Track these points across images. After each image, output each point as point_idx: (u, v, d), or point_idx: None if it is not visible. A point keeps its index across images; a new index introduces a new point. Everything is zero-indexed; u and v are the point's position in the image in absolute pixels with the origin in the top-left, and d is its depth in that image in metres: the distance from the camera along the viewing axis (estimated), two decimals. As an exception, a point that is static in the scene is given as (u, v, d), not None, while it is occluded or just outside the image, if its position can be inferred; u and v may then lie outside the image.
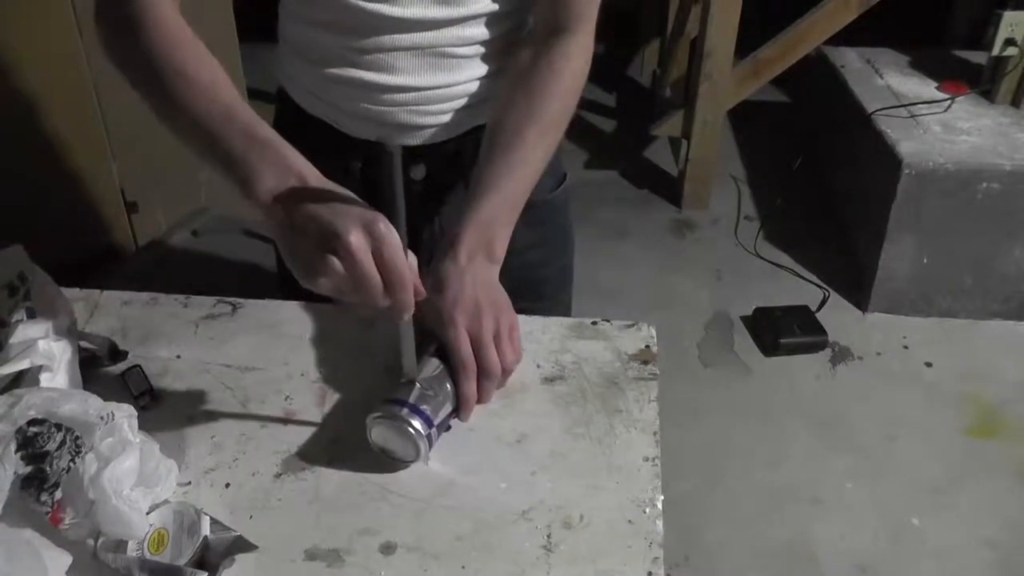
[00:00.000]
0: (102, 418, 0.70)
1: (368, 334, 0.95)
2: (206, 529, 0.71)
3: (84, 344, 0.89)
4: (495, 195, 0.88)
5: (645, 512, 0.75)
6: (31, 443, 0.69)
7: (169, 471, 0.75)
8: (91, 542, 0.69)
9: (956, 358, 2.46)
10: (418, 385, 0.79)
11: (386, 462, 0.79)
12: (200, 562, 0.70)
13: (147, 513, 0.71)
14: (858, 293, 2.67)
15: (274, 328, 0.96)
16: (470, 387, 0.80)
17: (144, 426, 0.73)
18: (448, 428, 0.81)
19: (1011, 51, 2.57)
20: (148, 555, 0.69)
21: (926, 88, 2.80)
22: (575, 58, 0.94)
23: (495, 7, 0.94)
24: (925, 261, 2.53)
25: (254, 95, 2.62)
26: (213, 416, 0.85)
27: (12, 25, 1.85)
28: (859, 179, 2.80)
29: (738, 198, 3.24)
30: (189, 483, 0.78)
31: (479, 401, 0.82)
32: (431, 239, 1.08)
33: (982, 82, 2.72)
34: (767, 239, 2.98)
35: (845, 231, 2.91)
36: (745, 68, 2.97)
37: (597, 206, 3.15)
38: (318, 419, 0.84)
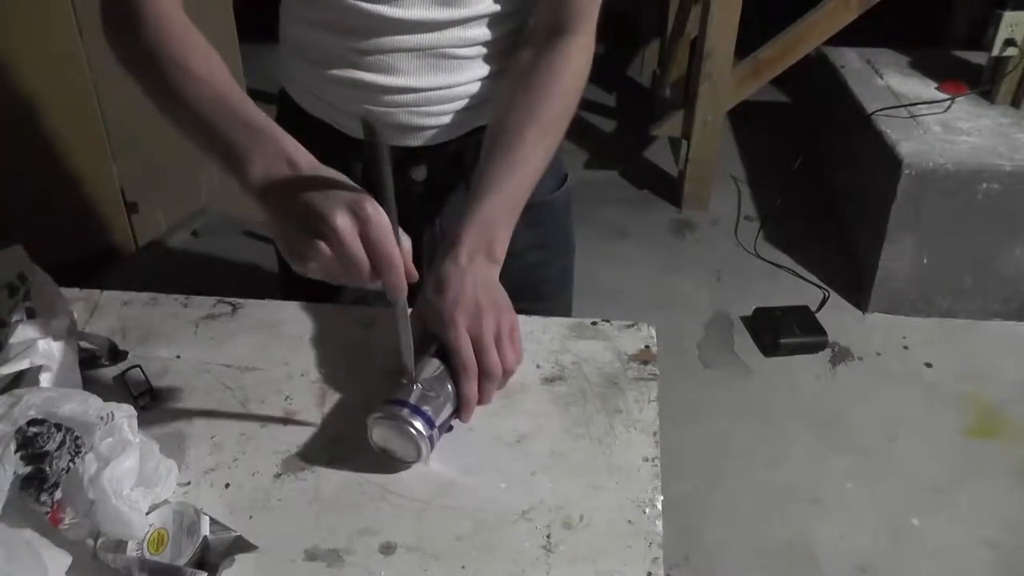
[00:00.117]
0: (102, 418, 0.70)
1: (368, 334, 0.95)
2: (206, 529, 0.71)
3: (84, 344, 0.89)
4: (496, 195, 0.88)
5: (645, 512, 0.75)
6: (31, 443, 0.69)
7: (169, 471, 0.75)
8: (91, 542, 0.69)
9: (956, 358, 2.46)
10: (419, 386, 0.79)
11: (387, 463, 0.79)
12: (200, 562, 0.70)
13: (147, 513, 0.71)
14: (858, 293, 2.67)
15: (274, 328, 0.96)
16: (471, 388, 0.80)
17: (144, 426, 0.73)
18: (450, 429, 0.81)
19: (1011, 51, 2.57)
20: (148, 555, 0.69)
21: (926, 88, 2.81)
22: (576, 58, 0.94)
23: (496, 8, 0.94)
24: (925, 261, 2.53)
25: (255, 96, 2.61)
26: (213, 416, 0.85)
27: (12, 25, 1.85)
28: (859, 179, 2.80)
29: (738, 198, 3.24)
30: (189, 483, 0.78)
31: (480, 402, 0.82)
32: (432, 240, 1.08)
33: (982, 82, 2.72)
34: (767, 239, 2.98)
35: (845, 231, 2.91)
36: (745, 68, 2.97)
37: (597, 206, 3.15)
38: (318, 419, 0.84)
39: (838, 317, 2.59)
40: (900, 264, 2.54)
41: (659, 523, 0.74)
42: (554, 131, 0.93)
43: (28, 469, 0.68)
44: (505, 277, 0.88)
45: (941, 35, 3.69)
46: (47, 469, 0.68)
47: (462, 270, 0.84)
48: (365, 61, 0.95)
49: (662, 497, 0.76)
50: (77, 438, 0.69)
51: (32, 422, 0.69)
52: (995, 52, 2.59)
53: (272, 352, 0.93)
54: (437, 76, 0.96)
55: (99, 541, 0.69)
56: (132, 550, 0.69)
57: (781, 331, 2.47)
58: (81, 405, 0.70)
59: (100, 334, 0.93)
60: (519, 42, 0.98)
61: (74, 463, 0.68)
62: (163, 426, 0.83)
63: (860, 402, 2.31)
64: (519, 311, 0.87)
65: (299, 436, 0.83)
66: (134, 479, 0.70)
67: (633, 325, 0.97)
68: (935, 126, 2.58)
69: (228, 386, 0.88)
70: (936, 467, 2.11)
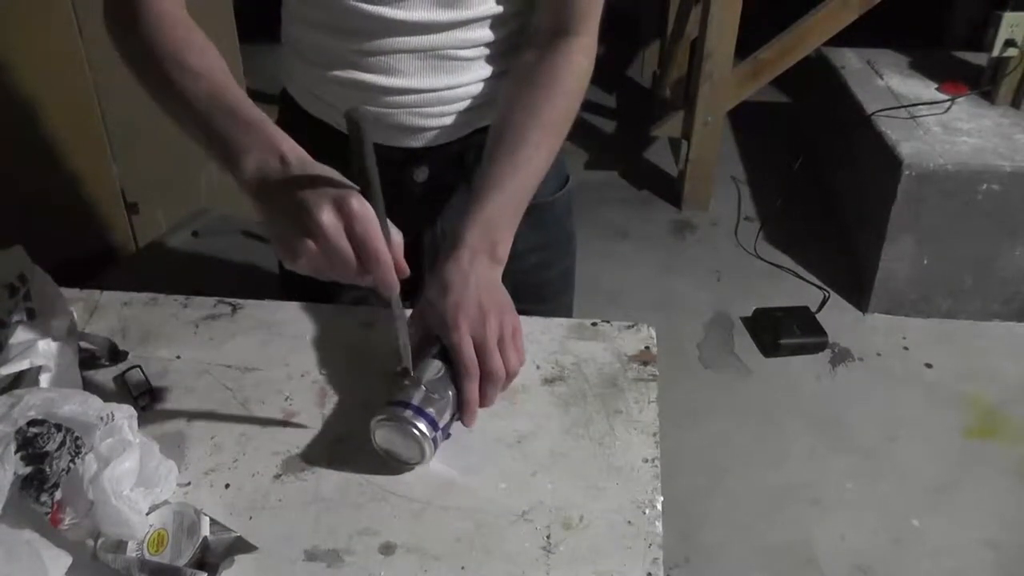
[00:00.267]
0: (102, 419, 0.70)
1: (368, 335, 0.95)
2: (206, 530, 0.71)
3: (84, 345, 0.90)
4: (499, 196, 0.87)
5: (645, 513, 0.75)
6: (31, 444, 0.69)
7: (169, 472, 0.75)
8: (91, 542, 0.69)
9: (956, 359, 2.46)
10: (424, 387, 0.78)
11: (389, 464, 0.79)
12: (200, 563, 0.70)
13: (147, 514, 0.71)
14: (858, 294, 2.67)
15: (274, 329, 0.96)
16: (472, 390, 0.80)
17: (144, 427, 0.74)
18: (447, 436, 0.80)
19: (1011, 52, 2.58)
20: (148, 556, 0.69)
21: (926, 89, 2.81)
22: (578, 59, 0.94)
23: (499, 9, 0.94)
24: (925, 262, 2.53)
25: (255, 96, 2.62)
26: (213, 417, 0.85)
27: (12, 25, 1.85)
28: (859, 180, 2.80)
29: (738, 199, 3.24)
30: (189, 484, 0.78)
31: (482, 405, 0.81)
32: (433, 241, 1.08)
33: (982, 83, 2.72)
34: (767, 240, 2.98)
35: (845, 232, 2.91)
36: (745, 69, 2.97)
37: (597, 207, 3.15)
38: (318, 420, 0.84)
39: (838, 318, 2.59)
40: (900, 265, 2.54)
41: (659, 524, 0.74)
42: (557, 132, 0.93)
43: (28, 469, 0.68)
44: (506, 278, 0.88)
45: (941, 36, 3.69)
46: (47, 469, 0.68)
47: (465, 271, 0.83)
48: (366, 62, 0.95)
49: (662, 498, 0.77)
50: (77, 439, 0.69)
51: (32, 422, 0.69)
52: (995, 53, 2.59)
53: (272, 353, 0.93)
54: (439, 77, 0.96)
55: (99, 541, 0.69)
56: (132, 550, 0.69)
57: (781, 332, 2.47)
58: (81, 405, 0.70)
59: (100, 334, 0.93)
60: (521, 43, 0.98)
61: (74, 463, 0.68)
62: (163, 427, 0.83)
63: (860, 403, 2.31)
64: (520, 312, 0.87)
65: (299, 437, 0.83)
66: (134, 479, 0.70)
67: (633, 326, 0.97)
68: (935, 127, 2.58)
69: (228, 387, 0.88)
70: (936, 467, 2.11)
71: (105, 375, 0.90)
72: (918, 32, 3.47)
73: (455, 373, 0.80)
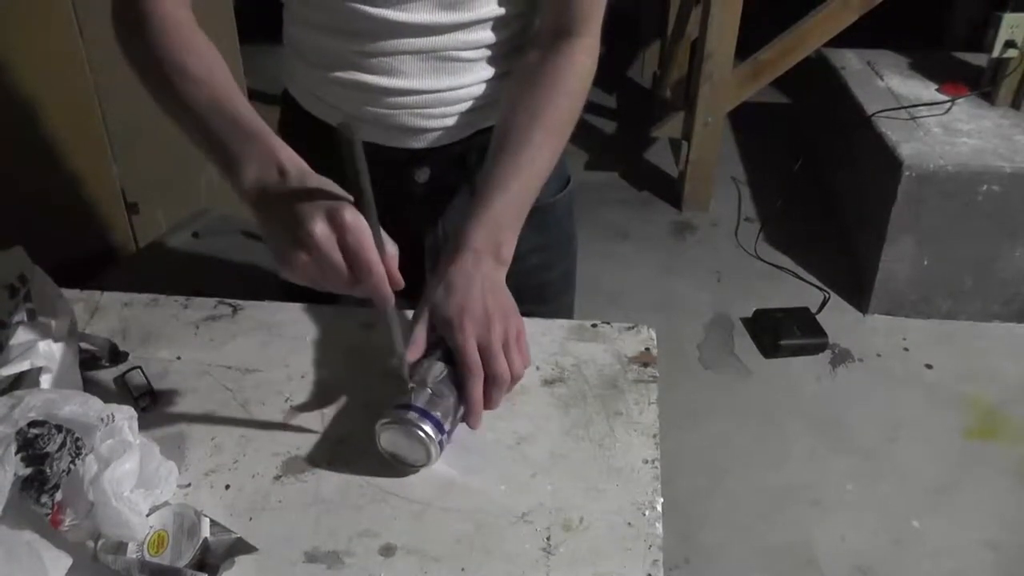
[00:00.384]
0: (102, 420, 0.70)
1: (369, 336, 0.95)
2: (206, 531, 0.71)
3: (84, 345, 0.90)
4: (503, 196, 0.87)
5: (645, 515, 0.75)
6: (31, 445, 0.69)
7: (169, 473, 0.75)
8: (91, 544, 0.69)
9: (956, 360, 2.46)
10: (428, 390, 0.78)
11: (393, 466, 0.79)
12: (200, 564, 0.70)
13: (147, 515, 0.71)
14: (858, 295, 2.67)
15: (274, 330, 0.96)
16: (476, 392, 0.79)
17: (144, 428, 0.73)
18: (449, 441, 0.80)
19: (1011, 53, 2.58)
20: (148, 557, 0.69)
21: (926, 90, 2.81)
22: (581, 60, 0.94)
23: (501, 11, 0.94)
24: (925, 263, 2.53)
25: (255, 97, 2.62)
26: (213, 418, 0.85)
27: (12, 25, 1.85)
28: (859, 181, 2.81)
29: (738, 200, 3.24)
30: (189, 485, 0.78)
31: (487, 407, 0.81)
32: (434, 242, 1.08)
33: (982, 84, 2.72)
34: (767, 241, 2.98)
35: (845, 233, 2.91)
36: (745, 70, 2.97)
37: (597, 208, 3.15)
38: (318, 421, 0.84)
39: (838, 318, 2.59)
40: (900, 265, 2.54)
41: (659, 525, 0.74)
42: (560, 133, 0.93)
43: (28, 471, 0.68)
44: (508, 280, 0.88)
45: (941, 37, 3.69)
46: (47, 471, 0.68)
47: (470, 273, 0.83)
48: (368, 63, 0.95)
49: (662, 499, 0.77)
50: (77, 440, 0.69)
51: (33, 424, 0.69)
52: (995, 54, 2.59)
53: (273, 354, 0.93)
54: (440, 78, 0.96)
55: (99, 543, 0.69)
56: (132, 552, 0.69)
57: (781, 332, 2.47)
58: (81, 407, 0.70)
59: (100, 335, 0.93)
60: (524, 44, 0.98)
61: (74, 465, 0.68)
62: (163, 428, 0.83)
63: (860, 403, 2.31)
64: (521, 314, 0.87)
65: (299, 438, 0.83)
66: (134, 481, 0.70)
67: (633, 327, 0.97)
68: (935, 128, 2.59)
69: (228, 388, 0.88)
70: (936, 468, 2.11)
71: (106, 376, 0.90)
72: (918, 33, 3.47)
73: (459, 375, 0.80)
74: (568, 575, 0.70)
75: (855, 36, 2.93)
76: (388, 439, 0.78)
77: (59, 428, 0.69)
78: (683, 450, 2.13)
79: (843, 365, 2.45)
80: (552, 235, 1.13)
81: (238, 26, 2.29)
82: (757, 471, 2.11)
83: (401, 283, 0.72)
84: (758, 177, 3.38)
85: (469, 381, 0.79)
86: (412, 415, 0.76)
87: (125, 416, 0.71)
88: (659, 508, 0.76)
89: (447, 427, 0.78)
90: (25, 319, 0.84)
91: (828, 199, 3.13)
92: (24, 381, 0.78)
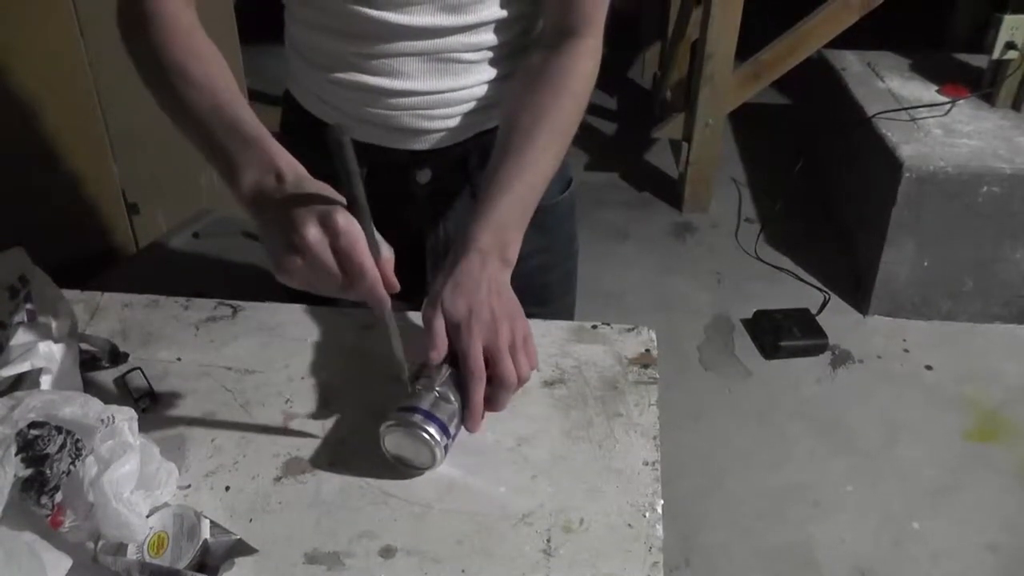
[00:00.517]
0: (102, 421, 0.70)
1: (369, 337, 0.95)
2: (206, 532, 0.71)
3: (85, 346, 0.90)
4: (508, 197, 0.87)
5: (645, 516, 0.75)
6: (31, 446, 0.69)
7: (169, 474, 0.75)
8: (91, 545, 0.69)
9: (956, 361, 2.46)
10: (433, 392, 0.78)
11: (397, 468, 0.79)
12: (200, 565, 0.70)
13: (147, 516, 0.71)
14: (858, 296, 2.67)
15: (275, 331, 0.96)
16: (478, 395, 0.79)
17: (144, 429, 0.73)
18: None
19: (1012, 55, 2.57)
20: (148, 558, 0.69)
21: (927, 91, 2.81)
22: (584, 61, 0.94)
23: (503, 14, 0.94)
24: (925, 264, 2.53)
25: (256, 98, 2.61)
26: (213, 419, 0.85)
27: (12, 25, 1.85)
28: (860, 182, 2.80)
29: (739, 201, 3.24)
30: (189, 486, 0.78)
31: (493, 409, 0.81)
32: (436, 243, 1.08)
33: (983, 85, 2.72)
34: (767, 242, 2.98)
35: (845, 234, 2.91)
36: (746, 71, 2.97)
37: (598, 208, 3.15)
38: (318, 422, 0.84)
39: (838, 320, 2.59)
40: (900, 267, 2.54)
41: (659, 527, 0.74)
42: (564, 133, 0.93)
43: (28, 472, 0.68)
44: (510, 281, 0.88)
45: (942, 38, 3.69)
46: (47, 472, 0.68)
47: (477, 275, 0.83)
48: (369, 65, 0.95)
49: (662, 501, 0.76)
50: (78, 441, 0.69)
51: (33, 425, 0.69)
52: (996, 55, 2.59)
53: (273, 355, 0.93)
54: (442, 80, 0.96)
55: (99, 544, 0.69)
56: (132, 553, 0.69)
57: (781, 334, 2.47)
58: (82, 408, 0.70)
59: (101, 336, 0.93)
60: (526, 45, 0.98)
61: (74, 466, 0.68)
62: (163, 429, 0.83)
63: (860, 405, 2.31)
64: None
65: (299, 439, 0.83)
66: (134, 482, 0.70)
67: (633, 329, 0.97)
68: (936, 129, 2.58)
69: (229, 389, 0.88)
70: (936, 470, 2.11)
71: (106, 377, 0.90)
72: (919, 34, 3.47)
73: (462, 379, 0.80)
74: (568, 577, 0.70)
75: (855, 37, 2.93)
76: (392, 442, 0.78)
77: (59, 429, 0.70)
78: (683, 451, 2.13)
79: (843, 366, 2.45)
80: (554, 236, 1.13)
81: (239, 26, 2.29)
82: (757, 472, 2.11)
83: (396, 286, 0.72)
84: (758, 178, 3.38)
85: (471, 385, 0.79)
86: (417, 418, 0.76)
87: (125, 417, 0.71)
88: (659, 510, 0.76)
89: (452, 430, 0.78)
90: (25, 320, 0.84)
91: (828, 200, 3.13)
92: (24, 382, 0.78)
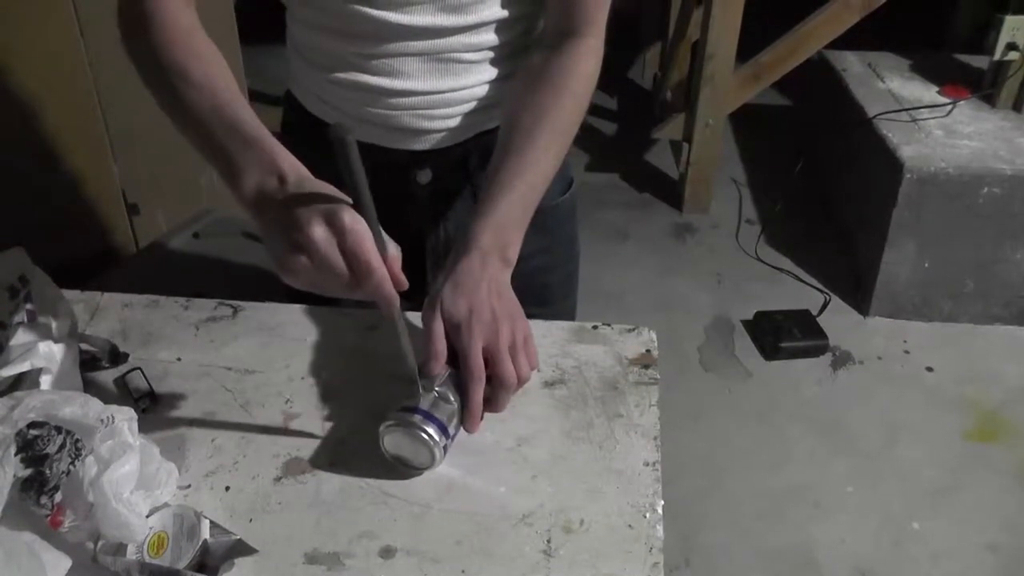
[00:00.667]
0: (102, 421, 0.70)
1: (370, 337, 0.95)
2: (206, 532, 0.71)
3: (84, 346, 0.89)
4: (509, 196, 0.87)
5: (645, 517, 0.75)
6: (31, 446, 0.69)
7: (169, 474, 0.75)
8: (90, 545, 0.69)
9: (957, 362, 2.46)
10: (436, 392, 0.78)
11: (397, 469, 0.79)
12: (200, 565, 0.70)
13: (147, 516, 0.71)
14: (859, 297, 2.67)
15: (275, 331, 0.96)
16: (477, 396, 0.79)
17: (144, 429, 0.73)
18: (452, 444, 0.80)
19: (1012, 55, 2.57)
20: (148, 558, 0.69)
21: (927, 92, 2.81)
22: (585, 61, 0.94)
23: (504, 14, 0.93)
24: (926, 265, 2.53)
25: (257, 98, 2.62)
26: (213, 419, 0.85)
27: (12, 25, 1.85)
28: (860, 183, 2.80)
29: (739, 201, 3.24)
30: (189, 486, 0.78)
31: (493, 410, 0.81)
32: (436, 244, 1.08)
33: (984, 86, 2.72)
34: (768, 243, 2.98)
35: (846, 235, 2.91)
36: (746, 72, 2.97)
37: (598, 209, 3.15)
38: (319, 423, 0.84)
39: (839, 321, 2.59)
40: (901, 268, 2.54)
41: (659, 528, 0.74)
42: (565, 133, 0.93)
43: (28, 472, 0.68)
44: (511, 282, 0.88)
45: (943, 39, 3.69)
46: (47, 472, 0.68)
47: (477, 275, 0.83)
48: (370, 65, 0.95)
49: (662, 502, 0.76)
50: (77, 441, 0.69)
51: (32, 425, 0.69)
52: (996, 56, 2.59)
53: (273, 355, 0.93)
54: (443, 80, 0.96)
55: (99, 544, 0.69)
56: (132, 553, 0.69)
57: (782, 335, 2.47)
58: (81, 408, 0.70)
59: (101, 336, 0.93)
60: (527, 46, 0.98)
61: (74, 466, 0.68)
62: (163, 429, 0.83)
63: (861, 406, 2.31)
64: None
65: (299, 439, 0.82)
66: (134, 482, 0.69)
67: (634, 329, 0.97)
68: (936, 130, 2.58)
69: (229, 389, 0.88)
70: (937, 470, 2.11)
71: (106, 377, 0.90)
72: (919, 35, 3.47)
73: (462, 379, 0.80)
74: (568, 577, 0.70)
75: (856, 38, 2.93)
76: (392, 442, 0.78)
77: (59, 429, 0.69)
78: (683, 451, 2.13)
79: (844, 367, 2.45)
80: (555, 237, 1.13)
81: (240, 27, 2.29)
82: (757, 473, 2.11)
83: (405, 284, 0.71)
84: (759, 179, 3.38)
85: (471, 385, 0.79)
86: (416, 418, 0.76)
87: (125, 417, 0.71)
88: (659, 510, 0.76)
89: (451, 431, 0.78)
90: (25, 320, 0.84)
91: (829, 201, 3.13)
92: (24, 382, 0.78)
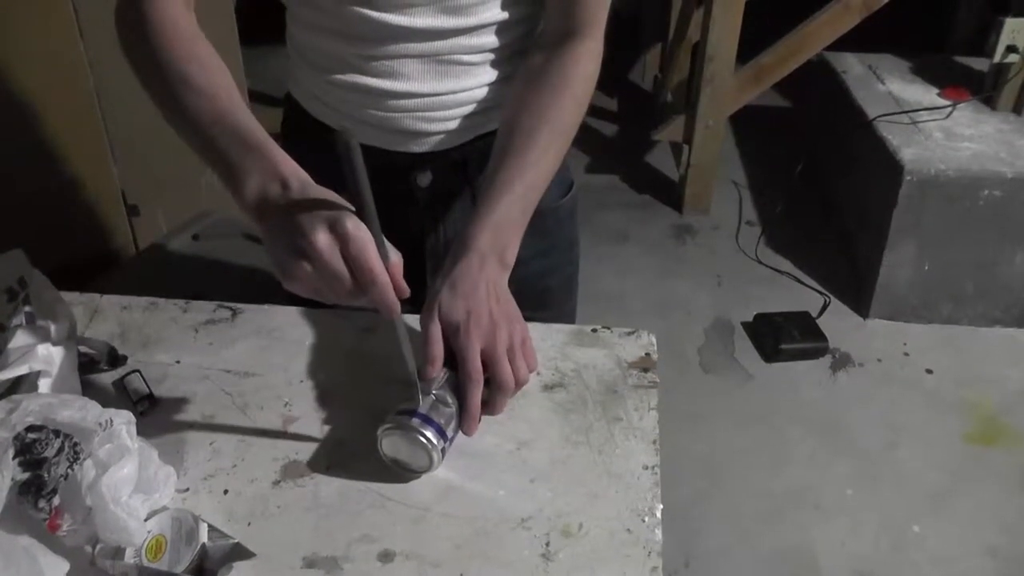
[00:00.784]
0: (100, 424, 0.69)
1: (369, 340, 0.95)
2: (204, 536, 0.71)
3: (83, 349, 0.89)
4: (508, 198, 0.87)
5: (644, 521, 0.75)
6: (29, 449, 0.68)
7: (167, 477, 0.75)
8: (89, 549, 0.69)
9: (957, 365, 2.46)
10: (433, 395, 0.78)
11: (394, 472, 0.79)
12: (198, 569, 0.70)
13: (145, 520, 0.71)
14: (859, 299, 2.67)
15: (274, 334, 0.96)
16: (475, 399, 0.79)
17: (143, 432, 0.73)
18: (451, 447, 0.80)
19: (1013, 58, 2.57)
20: (146, 562, 0.69)
21: (928, 94, 2.81)
22: (585, 63, 0.94)
23: (504, 16, 0.93)
24: (926, 268, 2.53)
25: (258, 99, 2.61)
26: (212, 422, 0.85)
27: (12, 25, 1.85)
28: (860, 185, 2.80)
29: (739, 203, 3.24)
30: (187, 489, 0.78)
31: (491, 413, 0.81)
32: (436, 246, 1.08)
33: (984, 89, 2.72)
34: (768, 245, 2.98)
35: (846, 237, 2.91)
36: (747, 73, 2.97)
37: (598, 211, 3.15)
38: (317, 426, 0.84)
39: (839, 323, 2.59)
40: (901, 270, 2.54)
41: (658, 532, 0.74)
42: (565, 135, 0.93)
43: (26, 475, 0.68)
44: (510, 284, 0.87)
45: (943, 41, 3.69)
46: (45, 475, 0.68)
47: (476, 277, 0.83)
48: (370, 67, 0.94)
49: (661, 506, 0.76)
50: (76, 444, 0.69)
51: (31, 428, 0.69)
52: (997, 59, 2.59)
53: (272, 358, 0.93)
54: (443, 81, 0.96)
55: (97, 548, 0.69)
56: (130, 557, 0.69)
57: (782, 337, 2.46)
58: (80, 411, 0.70)
59: (100, 339, 0.93)
60: (528, 47, 0.98)
61: (72, 469, 0.68)
62: (162, 432, 0.83)
63: (861, 408, 2.31)
64: (524, 319, 0.87)
65: (298, 443, 0.82)
66: (132, 485, 0.69)
67: (633, 332, 0.96)
68: (936, 132, 2.58)
69: (227, 392, 0.88)
70: (937, 473, 2.11)
71: (104, 380, 0.89)
72: (920, 37, 3.47)
73: (460, 382, 0.80)
74: (567, 582, 0.70)
75: (856, 40, 2.93)
76: (390, 445, 0.78)
77: (57, 432, 0.69)
78: (683, 454, 2.12)
79: (843, 370, 2.44)
80: (555, 240, 1.13)
81: (240, 27, 2.29)
82: (757, 475, 2.11)
83: (407, 291, 0.71)
84: (759, 181, 3.38)
85: (469, 388, 0.79)
86: (415, 421, 0.76)
87: (123, 420, 0.71)
88: (658, 514, 0.75)
89: (449, 433, 0.78)
90: (24, 322, 0.84)
91: (829, 203, 3.13)
92: (22, 385, 0.78)
